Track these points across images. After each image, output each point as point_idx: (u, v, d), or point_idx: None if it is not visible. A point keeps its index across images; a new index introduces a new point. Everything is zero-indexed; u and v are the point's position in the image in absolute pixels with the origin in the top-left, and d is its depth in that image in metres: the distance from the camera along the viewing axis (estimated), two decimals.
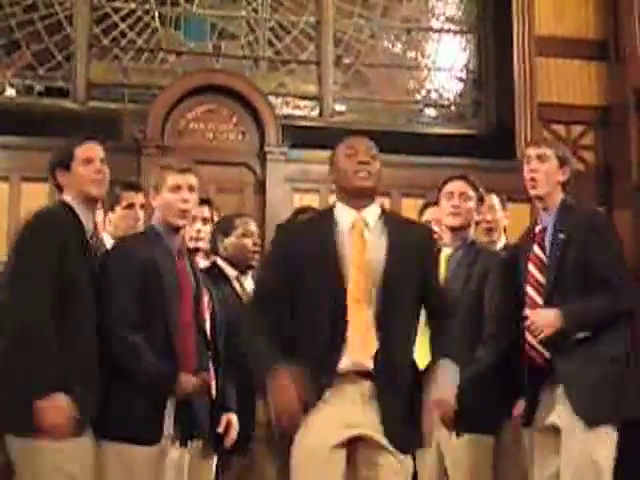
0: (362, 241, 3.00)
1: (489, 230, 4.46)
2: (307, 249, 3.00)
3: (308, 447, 2.92)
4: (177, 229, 3.42)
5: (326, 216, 3.12)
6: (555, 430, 3.43)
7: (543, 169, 3.59)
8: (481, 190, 3.94)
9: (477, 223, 3.97)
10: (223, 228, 4.28)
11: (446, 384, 3.03)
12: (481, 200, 3.94)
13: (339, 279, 2.95)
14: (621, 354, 3.44)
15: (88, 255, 3.22)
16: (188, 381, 3.25)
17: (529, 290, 3.53)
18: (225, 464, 3.95)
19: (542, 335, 3.39)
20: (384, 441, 2.91)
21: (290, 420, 2.87)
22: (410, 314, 3.04)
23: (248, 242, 4.26)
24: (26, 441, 3.01)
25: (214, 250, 4.27)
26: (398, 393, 2.95)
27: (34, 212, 3.26)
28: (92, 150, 3.31)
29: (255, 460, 4.10)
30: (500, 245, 4.42)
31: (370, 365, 2.93)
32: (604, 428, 3.37)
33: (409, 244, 3.03)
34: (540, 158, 3.61)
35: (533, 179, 3.60)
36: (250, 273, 4.29)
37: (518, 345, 3.52)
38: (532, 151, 3.65)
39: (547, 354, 3.44)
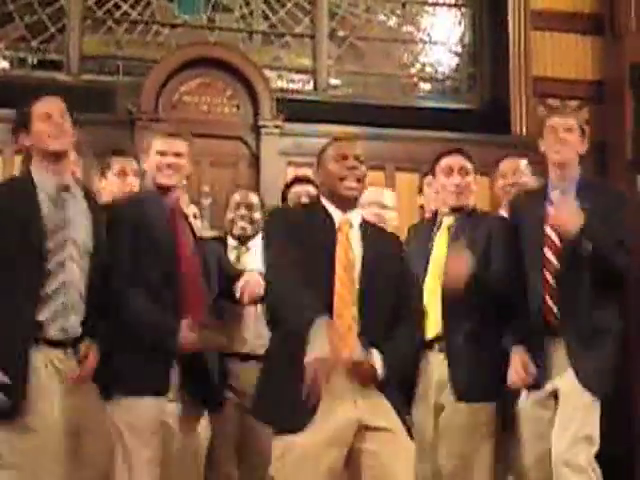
0: (347, 242, 3.05)
1: None
2: (306, 238, 3.02)
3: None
4: (168, 189, 3.49)
5: (320, 210, 3.14)
6: (552, 399, 3.46)
7: (571, 140, 3.62)
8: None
9: None
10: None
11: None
12: (475, 173, 3.90)
13: (328, 276, 2.97)
14: (619, 330, 3.54)
15: (40, 220, 3.05)
16: (188, 336, 3.29)
17: (547, 252, 3.56)
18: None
19: (564, 229, 3.41)
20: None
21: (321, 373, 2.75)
22: (389, 315, 3.06)
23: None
24: None
25: None
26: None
27: None
28: (51, 104, 3.16)
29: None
30: None
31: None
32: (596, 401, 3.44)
33: (385, 250, 3.12)
34: (568, 130, 3.63)
35: (559, 151, 3.61)
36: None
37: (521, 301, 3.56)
38: (559, 121, 3.66)
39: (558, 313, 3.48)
